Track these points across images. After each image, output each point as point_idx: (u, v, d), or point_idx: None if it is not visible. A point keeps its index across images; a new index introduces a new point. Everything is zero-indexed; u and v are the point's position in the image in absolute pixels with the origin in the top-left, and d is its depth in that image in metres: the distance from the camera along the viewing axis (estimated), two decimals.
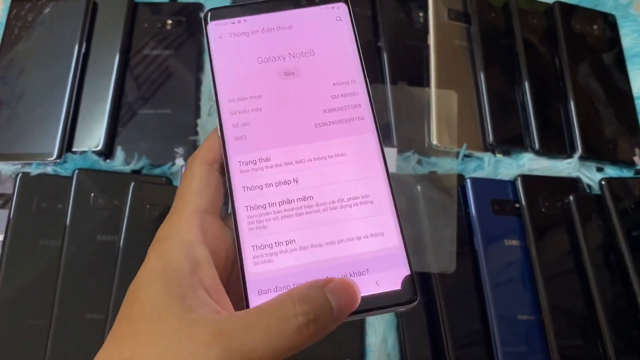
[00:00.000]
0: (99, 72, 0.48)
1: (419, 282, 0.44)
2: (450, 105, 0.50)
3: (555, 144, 0.50)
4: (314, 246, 0.23)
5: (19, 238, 0.42)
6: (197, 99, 0.49)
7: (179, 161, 0.46)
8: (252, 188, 0.24)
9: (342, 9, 0.27)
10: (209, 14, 0.27)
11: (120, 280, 0.41)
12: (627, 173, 0.51)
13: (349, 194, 0.24)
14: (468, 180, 0.47)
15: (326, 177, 0.24)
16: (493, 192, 0.47)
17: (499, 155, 0.49)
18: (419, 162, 0.48)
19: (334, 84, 0.26)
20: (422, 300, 0.43)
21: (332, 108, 0.25)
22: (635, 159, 0.51)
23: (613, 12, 0.58)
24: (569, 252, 0.45)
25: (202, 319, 0.20)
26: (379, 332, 0.42)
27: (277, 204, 0.24)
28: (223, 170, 0.25)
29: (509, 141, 0.50)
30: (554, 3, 0.56)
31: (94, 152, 0.45)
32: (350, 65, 0.26)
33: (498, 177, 0.49)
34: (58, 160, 0.45)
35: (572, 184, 0.49)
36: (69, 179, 0.44)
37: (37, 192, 0.44)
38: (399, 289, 0.23)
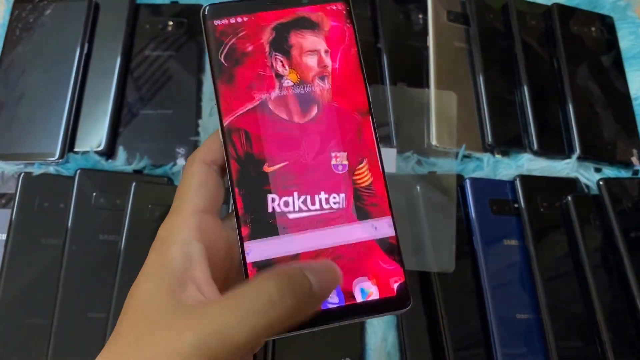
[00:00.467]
0: (101, 72, 0.49)
1: (419, 281, 0.44)
2: (450, 106, 0.50)
3: (553, 145, 0.51)
4: (313, 248, 0.24)
5: (21, 237, 0.42)
6: (199, 100, 0.49)
7: (180, 161, 0.46)
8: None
9: (342, 8, 0.26)
10: (207, 10, 0.26)
11: (122, 279, 0.41)
12: (625, 174, 0.51)
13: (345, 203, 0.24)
14: (467, 181, 0.47)
15: (323, 188, 0.24)
16: (492, 192, 0.47)
17: (498, 156, 0.50)
18: (419, 162, 0.48)
19: (334, 95, 0.25)
20: (422, 300, 0.43)
21: (332, 123, 0.25)
22: (633, 159, 0.51)
23: (611, 14, 0.58)
24: (567, 251, 0.46)
25: (182, 308, 0.20)
26: (379, 332, 0.43)
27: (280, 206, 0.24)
28: (222, 170, 0.25)
29: (508, 142, 0.50)
30: (552, 5, 0.56)
31: (96, 152, 0.46)
32: (352, 71, 0.25)
33: (497, 178, 0.49)
34: (60, 160, 0.45)
35: (571, 184, 0.49)
36: (71, 178, 0.44)
37: (39, 191, 0.44)
38: (393, 295, 0.24)
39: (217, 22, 0.26)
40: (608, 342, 0.42)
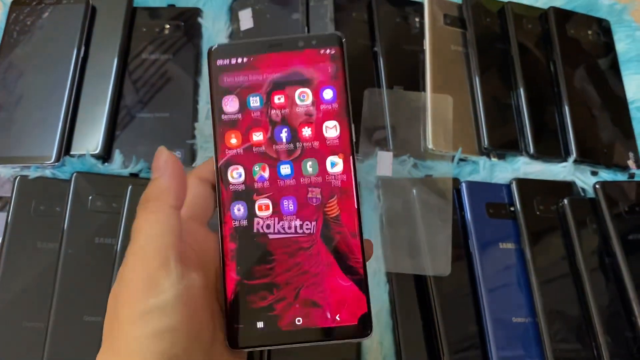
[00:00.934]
0: (98, 75, 0.49)
1: (415, 284, 0.44)
2: (446, 109, 0.50)
3: (550, 148, 0.51)
4: (287, 276, 0.26)
5: (17, 241, 0.42)
6: (195, 103, 0.49)
7: None
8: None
9: (336, 52, 0.28)
10: (213, 49, 0.28)
11: None
12: (621, 177, 0.51)
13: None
14: (463, 184, 0.47)
15: (299, 216, 0.27)
16: (488, 195, 0.47)
17: (494, 159, 0.50)
18: (415, 165, 0.48)
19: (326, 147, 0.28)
20: (418, 303, 0.43)
21: (313, 163, 0.28)
22: (629, 162, 0.51)
23: (607, 18, 0.58)
24: (563, 255, 0.46)
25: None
26: (375, 335, 0.43)
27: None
28: (213, 188, 0.28)
29: (504, 145, 0.50)
30: (548, 8, 0.56)
31: (92, 155, 0.46)
32: (338, 117, 0.28)
33: (493, 181, 0.49)
34: (56, 164, 0.45)
35: (567, 187, 0.49)
36: (67, 182, 0.44)
37: (35, 195, 0.44)
38: (355, 324, 0.26)
39: (220, 62, 0.28)
40: (604, 345, 0.42)
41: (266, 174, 0.27)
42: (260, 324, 0.26)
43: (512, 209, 0.47)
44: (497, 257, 0.45)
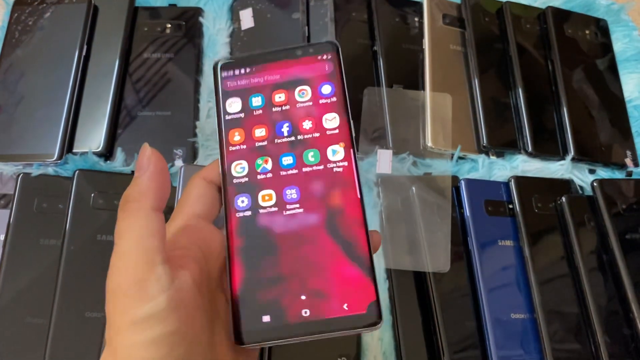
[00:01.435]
0: (100, 74, 0.49)
1: (414, 281, 0.44)
2: (445, 108, 0.50)
3: (548, 146, 0.51)
4: (292, 267, 0.26)
5: (20, 238, 0.43)
6: (196, 101, 0.49)
7: (178, 162, 0.47)
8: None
9: (333, 57, 0.29)
10: (219, 63, 0.30)
11: None
12: (618, 175, 0.52)
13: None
14: (462, 182, 0.48)
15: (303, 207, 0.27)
16: (487, 193, 0.48)
17: (493, 157, 0.50)
18: (414, 163, 0.49)
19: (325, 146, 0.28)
20: (417, 300, 0.44)
21: (313, 161, 0.28)
22: (627, 160, 0.51)
23: (605, 18, 0.59)
24: (561, 252, 0.46)
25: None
26: (375, 332, 0.43)
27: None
28: (218, 189, 0.28)
29: (503, 143, 0.51)
30: (546, 8, 0.57)
31: (95, 153, 0.46)
32: (337, 118, 0.29)
33: (492, 179, 0.49)
34: (59, 161, 0.45)
35: (565, 185, 0.50)
36: (69, 179, 0.44)
37: (38, 192, 0.44)
38: (364, 313, 0.25)
39: (225, 74, 0.30)
40: (602, 343, 0.42)
41: (269, 166, 0.28)
42: (266, 318, 0.25)
43: (510, 206, 0.47)
44: (495, 254, 0.45)
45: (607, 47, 0.57)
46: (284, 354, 0.42)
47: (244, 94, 0.29)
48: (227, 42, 0.53)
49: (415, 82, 0.52)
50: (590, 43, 0.56)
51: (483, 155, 0.50)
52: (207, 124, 0.49)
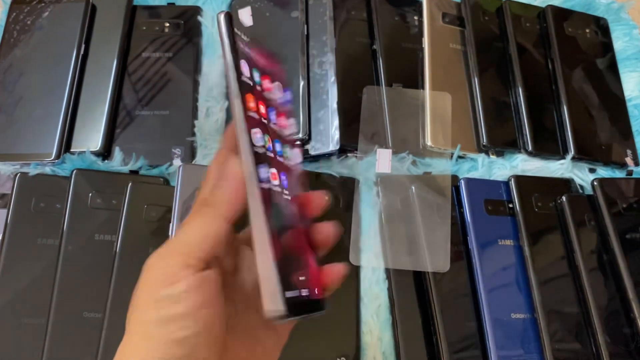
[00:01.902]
0: (98, 73, 0.49)
1: (414, 281, 0.44)
2: (445, 107, 0.50)
3: (548, 145, 0.51)
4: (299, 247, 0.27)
5: (18, 237, 0.43)
6: (195, 100, 0.49)
7: (177, 162, 0.46)
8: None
9: None
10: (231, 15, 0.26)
11: (118, 279, 0.41)
12: (619, 174, 0.52)
13: None
14: (462, 181, 0.47)
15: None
16: (486, 192, 0.47)
17: (493, 156, 0.50)
18: (414, 163, 0.48)
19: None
20: (417, 299, 0.44)
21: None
22: (627, 159, 0.51)
23: (605, 16, 0.59)
24: (562, 251, 0.46)
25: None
26: (375, 331, 0.43)
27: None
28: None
29: (503, 142, 0.50)
30: (546, 7, 0.56)
31: (92, 152, 0.46)
32: None
33: (492, 178, 0.49)
34: (56, 161, 0.45)
35: (565, 184, 0.49)
36: (67, 179, 0.44)
37: (36, 191, 0.44)
38: (321, 298, 0.26)
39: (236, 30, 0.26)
40: (603, 343, 0.42)
41: (271, 146, 0.27)
42: (294, 293, 0.25)
43: (510, 205, 0.47)
44: (495, 253, 0.45)
45: (607, 46, 0.57)
46: (284, 354, 0.41)
47: (249, 63, 0.27)
48: None
49: (414, 81, 0.52)
50: (590, 42, 0.56)
51: (483, 155, 0.50)
52: (205, 123, 0.48)
